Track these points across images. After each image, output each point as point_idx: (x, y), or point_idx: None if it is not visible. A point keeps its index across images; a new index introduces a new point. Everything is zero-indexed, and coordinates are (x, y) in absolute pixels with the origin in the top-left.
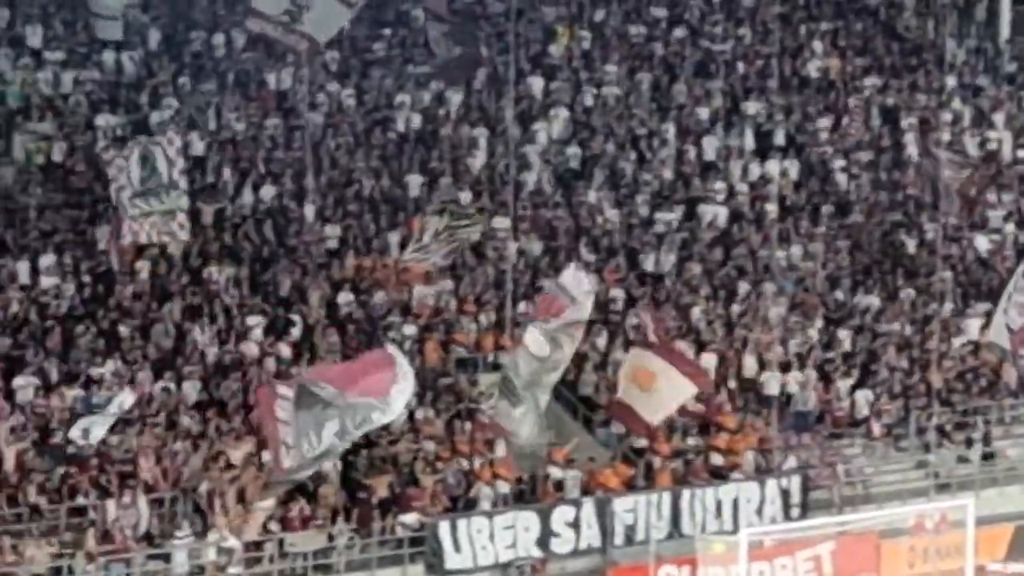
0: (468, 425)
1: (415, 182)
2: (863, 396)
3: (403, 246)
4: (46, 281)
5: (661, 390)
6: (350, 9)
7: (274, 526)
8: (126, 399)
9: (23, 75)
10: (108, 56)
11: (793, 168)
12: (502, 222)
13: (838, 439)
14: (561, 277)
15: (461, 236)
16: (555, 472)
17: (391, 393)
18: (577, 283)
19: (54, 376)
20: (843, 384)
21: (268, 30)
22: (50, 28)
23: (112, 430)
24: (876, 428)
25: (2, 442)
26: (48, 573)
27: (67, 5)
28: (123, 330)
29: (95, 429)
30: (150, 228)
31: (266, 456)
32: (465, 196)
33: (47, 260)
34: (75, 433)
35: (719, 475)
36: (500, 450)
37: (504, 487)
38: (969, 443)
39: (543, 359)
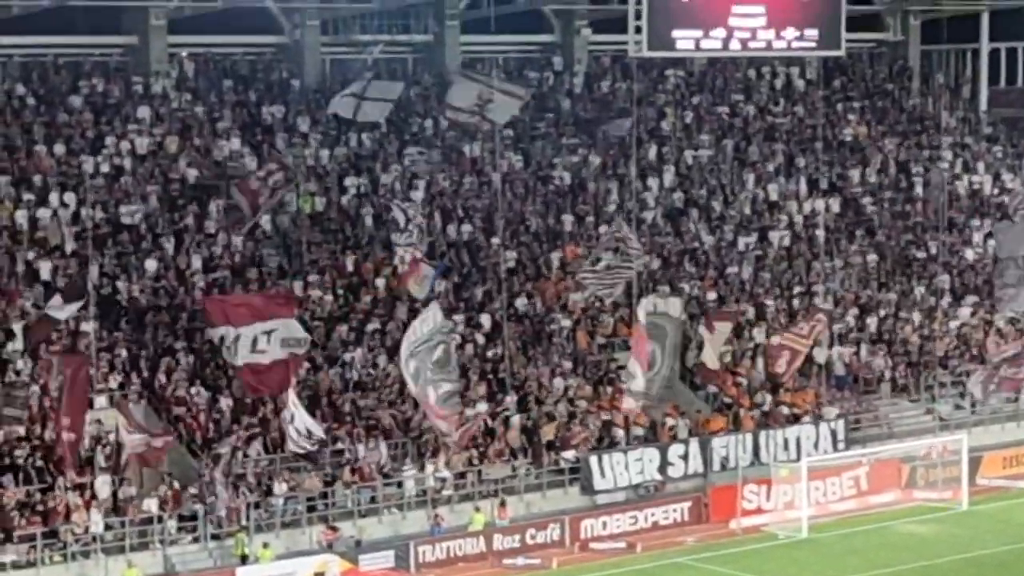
0: (609, 389)
1: (568, 220)
2: (886, 363)
3: (562, 266)
4: (313, 293)
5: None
6: (519, 101)
7: (474, 461)
8: None
9: (295, 151)
10: (352, 136)
11: (834, 204)
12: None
13: (870, 394)
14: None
15: (624, 275)
16: (670, 421)
17: None
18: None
19: (319, 360)
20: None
21: (462, 118)
22: (314, 117)
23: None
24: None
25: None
26: (318, 496)
27: (323, 102)
28: (369, 327)
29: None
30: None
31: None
32: (603, 229)
33: (313, 278)
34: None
35: (787, 421)
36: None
37: (639, 430)
38: (962, 395)
39: None
